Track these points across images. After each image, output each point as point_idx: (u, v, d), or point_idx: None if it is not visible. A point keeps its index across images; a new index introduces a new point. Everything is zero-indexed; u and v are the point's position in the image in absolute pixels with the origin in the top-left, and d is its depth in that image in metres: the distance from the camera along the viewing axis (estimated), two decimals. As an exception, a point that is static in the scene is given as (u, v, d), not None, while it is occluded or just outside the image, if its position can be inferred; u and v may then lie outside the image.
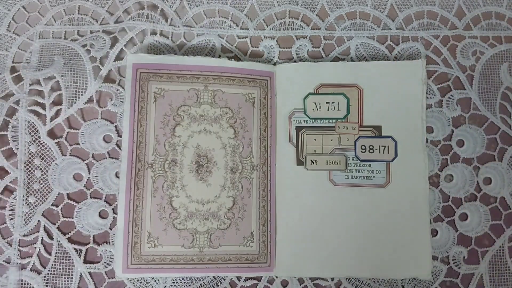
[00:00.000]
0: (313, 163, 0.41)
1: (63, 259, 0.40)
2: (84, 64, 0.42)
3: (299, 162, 0.41)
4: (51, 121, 0.41)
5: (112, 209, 0.41)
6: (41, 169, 0.41)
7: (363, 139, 0.42)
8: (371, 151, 0.42)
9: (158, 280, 0.40)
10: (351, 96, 0.42)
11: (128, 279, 0.40)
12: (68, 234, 0.40)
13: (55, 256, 0.40)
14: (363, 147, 0.42)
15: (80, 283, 0.40)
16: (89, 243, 0.40)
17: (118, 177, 0.41)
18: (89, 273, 0.40)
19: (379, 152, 0.42)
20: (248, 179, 0.41)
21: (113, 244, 0.40)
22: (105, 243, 0.40)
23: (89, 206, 0.41)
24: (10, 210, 0.40)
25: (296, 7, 0.45)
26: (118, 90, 0.42)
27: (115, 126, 0.42)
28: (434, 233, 0.42)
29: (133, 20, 0.44)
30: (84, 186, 0.41)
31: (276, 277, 0.41)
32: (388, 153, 0.42)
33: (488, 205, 0.42)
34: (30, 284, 0.39)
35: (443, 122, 0.43)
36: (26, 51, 0.43)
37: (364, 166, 0.41)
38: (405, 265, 0.40)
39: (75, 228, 0.41)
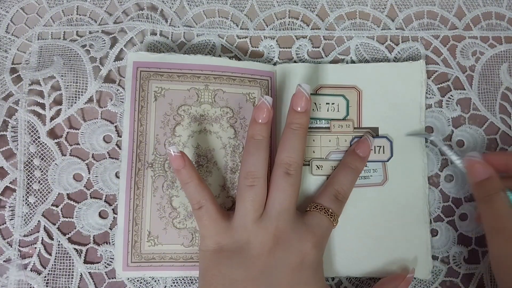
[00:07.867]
0: (319, 168, 0.41)
1: (63, 259, 0.40)
2: (84, 64, 0.42)
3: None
4: (51, 121, 0.41)
5: (112, 209, 0.41)
6: (41, 169, 0.41)
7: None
8: None
9: (158, 280, 0.40)
10: (351, 98, 0.42)
11: (128, 279, 0.40)
12: (68, 234, 0.40)
13: (55, 256, 0.40)
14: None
15: (81, 283, 0.40)
16: (89, 243, 0.40)
17: (118, 177, 0.41)
18: (89, 273, 0.40)
19: (375, 152, 0.41)
20: (248, 179, 0.41)
21: (113, 244, 0.40)
22: (105, 243, 0.40)
23: (89, 206, 0.41)
24: (10, 210, 0.40)
25: (296, 7, 0.45)
26: (118, 90, 0.42)
27: (115, 126, 0.42)
28: (435, 233, 0.42)
29: (133, 20, 0.44)
30: (84, 186, 0.41)
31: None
32: (384, 153, 0.42)
33: (488, 205, 0.42)
34: (31, 284, 0.39)
35: (443, 122, 0.43)
36: (25, 52, 0.43)
37: (362, 166, 0.41)
38: (405, 265, 0.40)
39: (75, 228, 0.40)
